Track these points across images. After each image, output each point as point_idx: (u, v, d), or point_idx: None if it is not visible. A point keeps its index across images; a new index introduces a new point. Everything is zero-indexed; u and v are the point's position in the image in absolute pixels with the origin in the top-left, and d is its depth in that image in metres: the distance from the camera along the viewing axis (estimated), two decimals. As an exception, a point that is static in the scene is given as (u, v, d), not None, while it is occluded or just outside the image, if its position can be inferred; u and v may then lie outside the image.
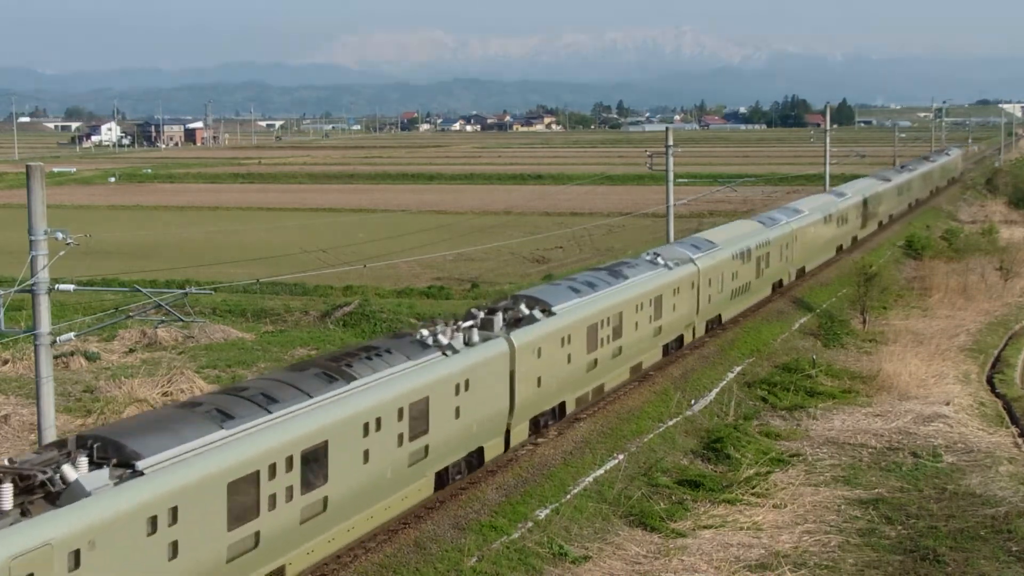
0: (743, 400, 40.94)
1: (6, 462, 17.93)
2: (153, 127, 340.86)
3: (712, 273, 46.19)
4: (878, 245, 78.92)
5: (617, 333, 36.73)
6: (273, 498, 21.01)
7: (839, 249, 72.34)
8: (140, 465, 18.44)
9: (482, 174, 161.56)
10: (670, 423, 36.49)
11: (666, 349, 42.88)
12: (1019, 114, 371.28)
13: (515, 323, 31.49)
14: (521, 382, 30.49)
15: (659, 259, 42.90)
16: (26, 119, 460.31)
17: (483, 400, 28.55)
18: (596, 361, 35.47)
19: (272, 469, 20.94)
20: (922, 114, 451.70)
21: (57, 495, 17.21)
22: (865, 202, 78.72)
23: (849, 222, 74.00)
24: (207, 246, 77.13)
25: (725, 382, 41.96)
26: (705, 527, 28.90)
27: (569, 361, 33.42)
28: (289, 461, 21.38)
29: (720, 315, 48.88)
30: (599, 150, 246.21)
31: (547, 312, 32.74)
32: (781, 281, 58.65)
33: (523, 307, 32.46)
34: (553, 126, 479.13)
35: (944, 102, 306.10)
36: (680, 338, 44.30)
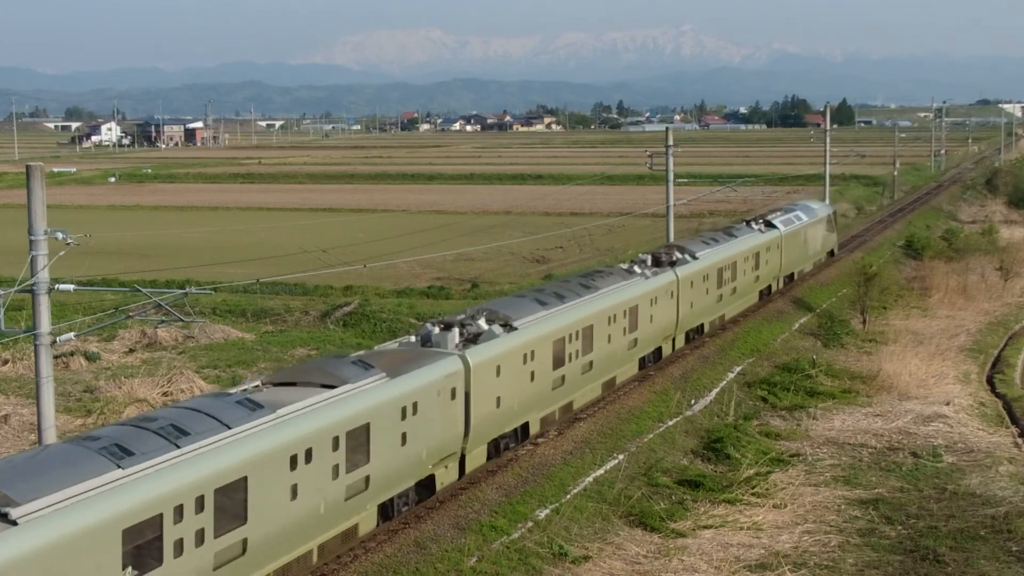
0: (743, 400, 40.93)
1: None
2: (153, 127, 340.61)
3: None
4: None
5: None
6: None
7: None
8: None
9: (482, 174, 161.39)
10: (670, 423, 36.48)
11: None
12: (1019, 114, 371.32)
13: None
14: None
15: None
16: (28, 120, 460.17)
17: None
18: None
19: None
20: (922, 114, 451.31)
21: None
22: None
23: None
24: (207, 246, 77.06)
25: (725, 382, 41.94)
26: (705, 527, 28.88)
27: None
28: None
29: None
30: (599, 150, 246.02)
31: None
32: None
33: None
34: (553, 126, 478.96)
35: (944, 102, 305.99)
36: None
